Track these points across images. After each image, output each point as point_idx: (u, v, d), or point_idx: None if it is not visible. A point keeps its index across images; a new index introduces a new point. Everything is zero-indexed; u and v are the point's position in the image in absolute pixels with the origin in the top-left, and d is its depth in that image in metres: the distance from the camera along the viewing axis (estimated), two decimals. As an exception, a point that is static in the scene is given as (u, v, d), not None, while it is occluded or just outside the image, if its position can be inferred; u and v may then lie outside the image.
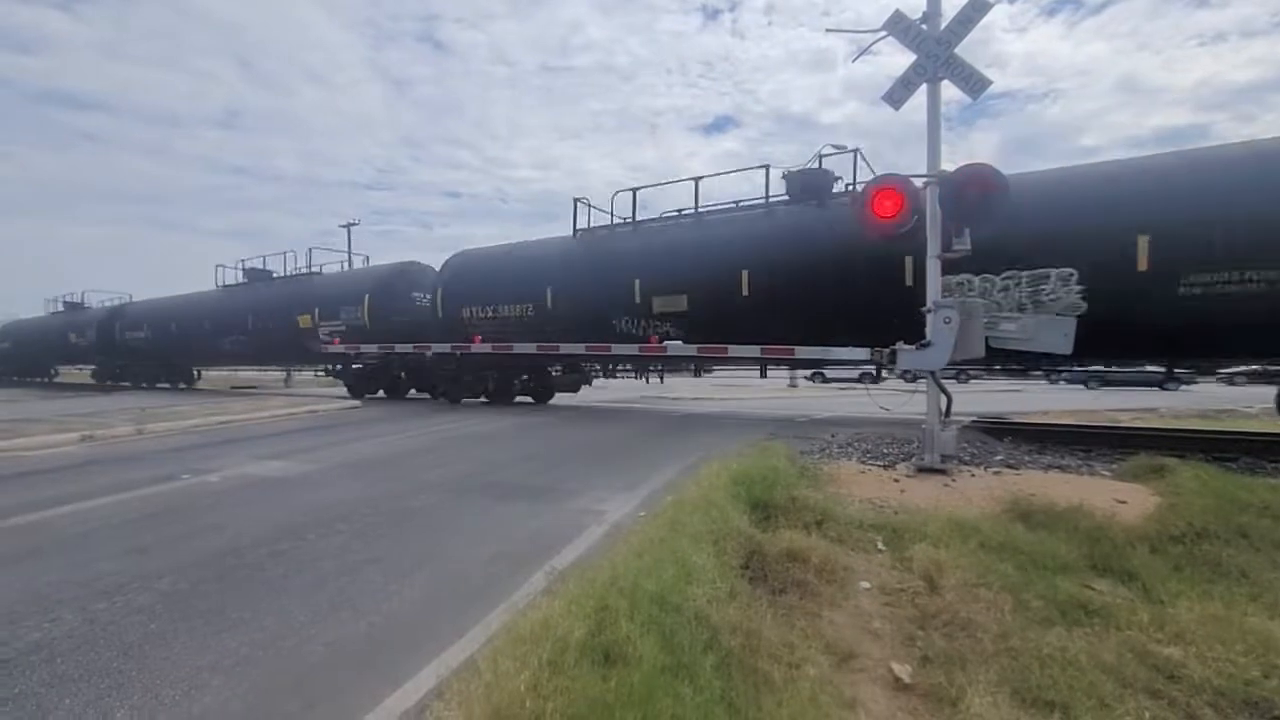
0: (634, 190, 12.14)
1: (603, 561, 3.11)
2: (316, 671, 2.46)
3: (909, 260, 8.08)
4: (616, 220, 12.35)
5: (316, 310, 16.55)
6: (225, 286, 20.56)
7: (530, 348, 12.32)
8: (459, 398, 14.38)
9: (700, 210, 11.22)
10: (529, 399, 14.50)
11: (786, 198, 10.36)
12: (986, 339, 5.59)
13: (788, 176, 10.41)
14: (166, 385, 23.11)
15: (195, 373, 24.35)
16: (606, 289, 11.50)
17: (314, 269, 18.71)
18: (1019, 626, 2.68)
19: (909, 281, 8.13)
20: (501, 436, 9.22)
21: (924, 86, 5.83)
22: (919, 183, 5.69)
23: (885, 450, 6.83)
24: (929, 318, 5.59)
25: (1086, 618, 2.83)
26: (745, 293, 9.94)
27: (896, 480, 5.38)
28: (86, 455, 7.67)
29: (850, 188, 9.75)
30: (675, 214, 11.51)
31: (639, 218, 12.10)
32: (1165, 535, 3.81)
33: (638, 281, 11.04)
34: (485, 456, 7.44)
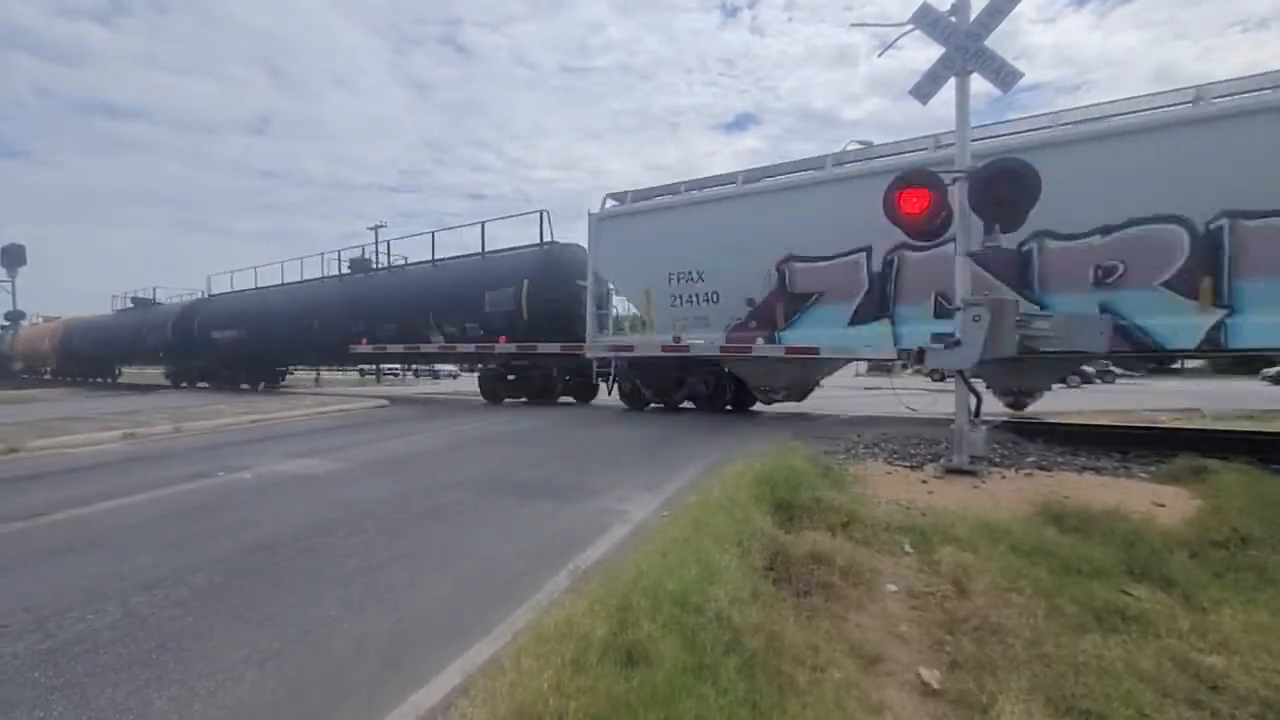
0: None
1: (626, 561, 3.11)
2: (345, 666, 2.51)
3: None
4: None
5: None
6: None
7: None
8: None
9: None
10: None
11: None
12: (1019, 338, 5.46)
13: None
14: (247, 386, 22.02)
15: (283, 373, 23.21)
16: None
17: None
18: (1052, 632, 2.61)
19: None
20: (523, 437, 9.30)
21: (952, 80, 5.72)
22: (948, 179, 5.57)
23: (912, 451, 6.71)
24: (958, 316, 5.48)
25: (1123, 624, 2.75)
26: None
27: (924, 481, 5.29)
28: (127, 452, 7.94)
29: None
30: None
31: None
32: (1207, 540, 3.68)
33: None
34: (508, 456, 7.50)
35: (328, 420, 11.69)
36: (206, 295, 23.06)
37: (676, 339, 10.75)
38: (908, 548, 3.70)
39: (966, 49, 5.55)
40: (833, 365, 10.55)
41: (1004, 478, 5.38)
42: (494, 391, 14.86)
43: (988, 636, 2.61)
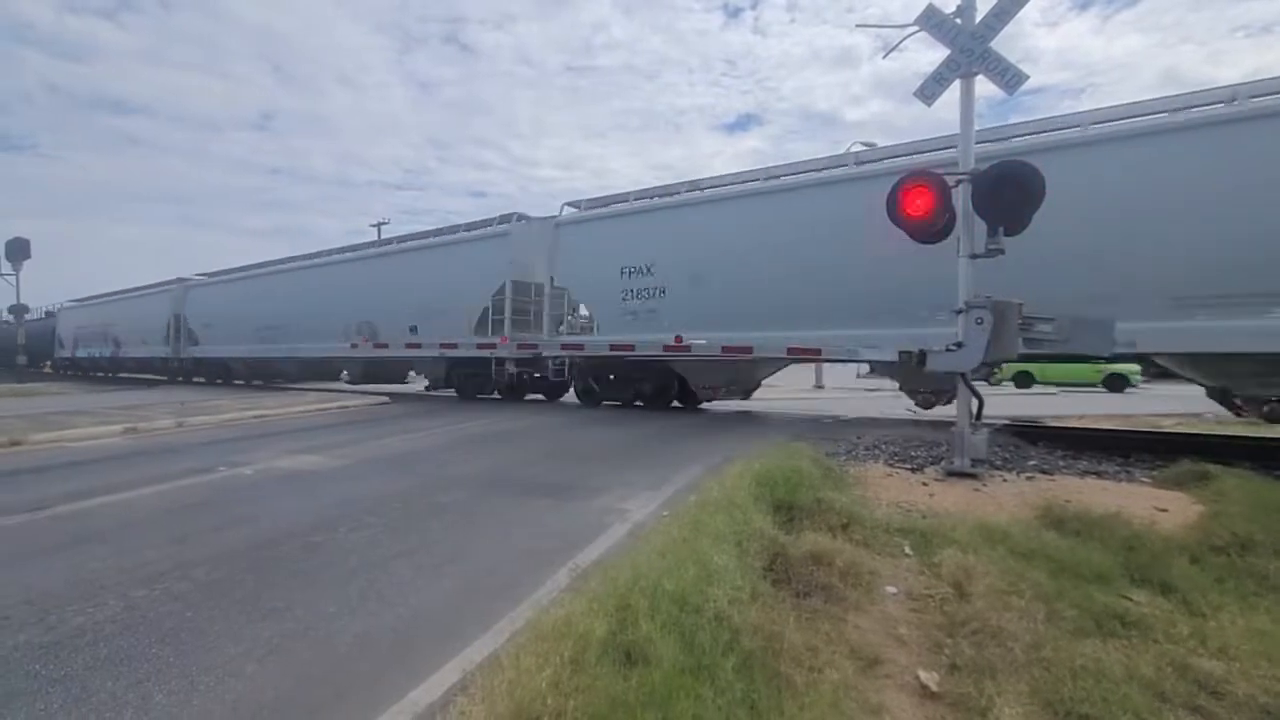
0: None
1: (625, 560, 3.11)
2: (346, 662, 2.52)
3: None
4: None
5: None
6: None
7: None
8: None
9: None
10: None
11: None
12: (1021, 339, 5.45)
13: None
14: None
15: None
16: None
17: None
18: (1051, 636, 2.60)
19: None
20: (525, 435, 9.31)
21: (957, 82, 5.71)
22: (952, 180, 5.56)
23: (913, 453, 6.70)
24: (960, 319, 5.47)
25: (1123, 629, 2.73)
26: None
27: (925, 484, 5.28)
28: (130, 447, 7.96)
29: None
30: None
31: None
32: (1207, 545, 3.67)
33: None
34: (510, 454, 7.51)
35: (330, 417, 11.71)
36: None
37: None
38: (908, 550, 3.70)
39: (972, 51, 5.55)
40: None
41: (1005, 481, 5.38)
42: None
43: (987, 640, 2.60)
